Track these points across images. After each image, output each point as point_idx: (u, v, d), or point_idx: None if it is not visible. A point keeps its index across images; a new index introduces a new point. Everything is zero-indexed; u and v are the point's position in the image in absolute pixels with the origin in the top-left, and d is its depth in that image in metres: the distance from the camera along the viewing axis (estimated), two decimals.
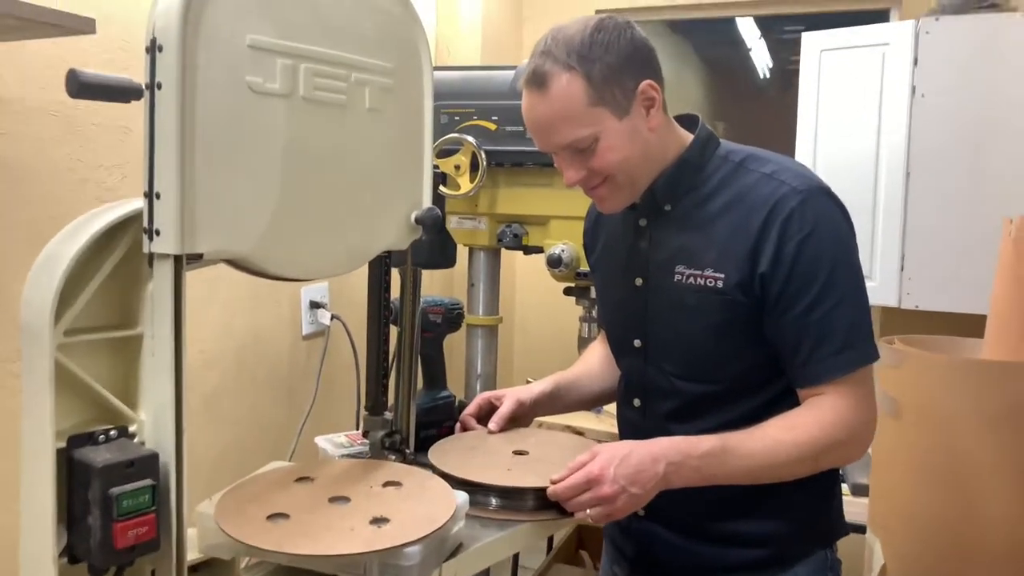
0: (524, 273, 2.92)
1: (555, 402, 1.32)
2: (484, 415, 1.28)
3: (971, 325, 1.79)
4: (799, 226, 1.04)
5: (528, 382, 1.92)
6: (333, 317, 1.96)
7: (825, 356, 1.04)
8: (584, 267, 1.64)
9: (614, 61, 1.04)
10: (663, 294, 1.13)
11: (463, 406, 1.71)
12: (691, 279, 1.10)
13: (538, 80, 1.05)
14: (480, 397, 1.30)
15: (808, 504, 1.15)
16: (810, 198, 1.05)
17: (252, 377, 1.82)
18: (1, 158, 1.26)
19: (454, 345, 2.36)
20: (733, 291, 1.07)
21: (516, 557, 2.46)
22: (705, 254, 1.09)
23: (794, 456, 1.03)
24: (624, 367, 1.25)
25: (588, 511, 1.01)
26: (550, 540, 2.53)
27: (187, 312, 1.62)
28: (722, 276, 1.07)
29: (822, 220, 1.05)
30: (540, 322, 2.94)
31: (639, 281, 1.16)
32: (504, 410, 1.25)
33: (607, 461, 1.00)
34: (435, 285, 2.53)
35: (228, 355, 1.75)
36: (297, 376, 1.94)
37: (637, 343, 1.18)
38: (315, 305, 1.97)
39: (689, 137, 1.15)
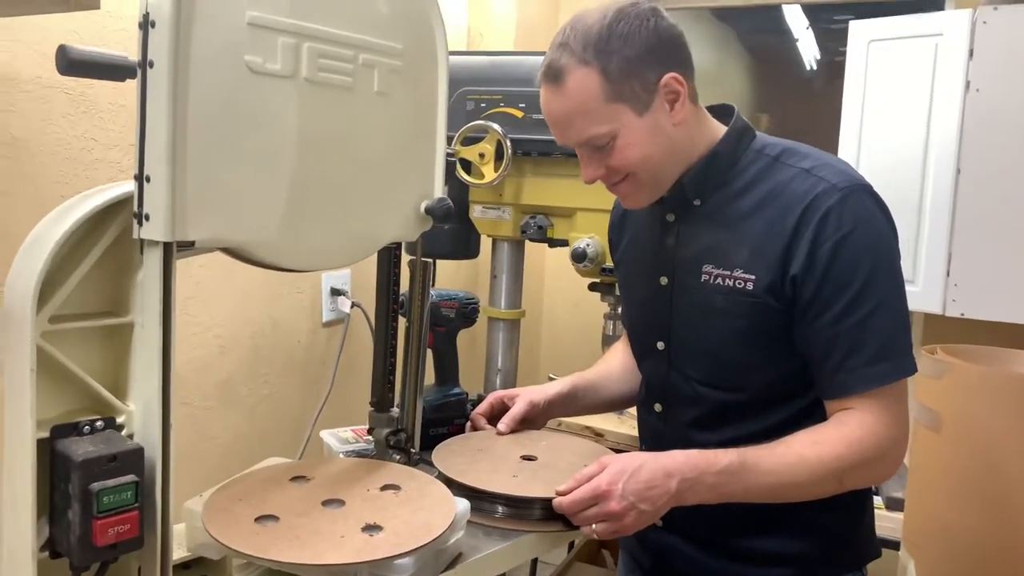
0: (554, 265, 2.87)
1: (572, 404, 1.27)
2: (496, 414, 1.23)
3: (1021, 336, 1.69)
4: (836, 226, 0.97)
5: (551, 378, 1.88)
6: (354, 304, 1.93)
7: (857, 366, 0.97)
8: (610, 263, 1.58)
9: (633, 54, 0.98)
10: (689, 295, 1.07)
11: (479, 402, 1.67)
12: (719, 280, 1.03)
13: (553, 74, 1.00)
14: (492, 396, 1.26)
15: (836, 525, 1.09)
16: (850, 196, 0.98)
17: (269, 364, 1.79)
18: (13, 136, 1.24)
19: (476, 339, 2.32)
20: (763, 294, 1.00)
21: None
22: (735, 254, 1.03)
23: (818, 475, 0.97)
24: (646, 370, 1.19)
25: (594, 526, 0.95)
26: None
27: (202, 296, 1.61)
28: (752, 278, 1.01)
29: (862, 220, 0.98)
30: (569, 317, 2.88)
31: (664, 280, 1.10)
32: (515, 411, 1.20)
33: (616, 475, 0.95)
34: (460, 276, 2.49)
35: (244, 341, 1.73)
36: (316, 364, 1.92)
37: (660, 345, 1.12)
38: (336, 292, 1.93)
39: (723, 129, 1.08)
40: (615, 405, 1.34)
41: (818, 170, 1.01)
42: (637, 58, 0.98)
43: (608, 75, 0.97)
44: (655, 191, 1.07)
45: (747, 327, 1.02)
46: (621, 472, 0.95)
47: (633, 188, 1.06)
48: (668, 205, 1.10)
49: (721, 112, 1.11)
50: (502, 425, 1.19)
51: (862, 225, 0.98)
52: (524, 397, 1.22)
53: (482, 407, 1.24)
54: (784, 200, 1.01)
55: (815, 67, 5.05)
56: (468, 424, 1.25)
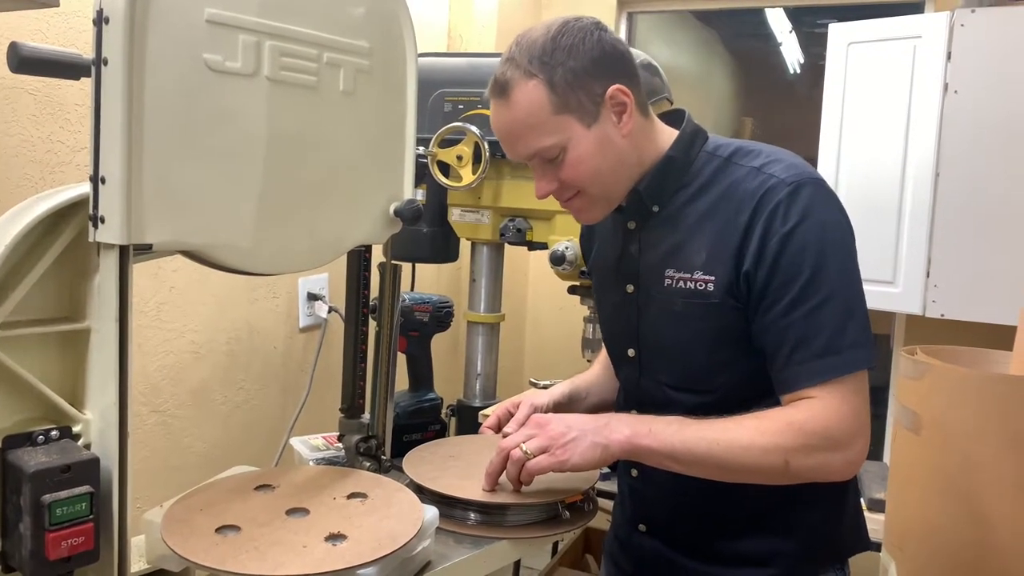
0: (538, 269, 2.85)
1: (573, 406, 1.27)
2: (504, 424, 1.22)
3: (1000, 336, 1.69)
4: (784, 219, 0.96)
5: (532, 383, 1.86)
6: (331, 309, 1.90)
7: (805, 359, 0.95)
8: None
9: (578, 65, 0.98)
10: (654, 301, 1.07)
11: (457, 408, 1.65)
12: (680, 283, 1.03)
13: (500, 88, 1.00)
14: (499, 407, 1.25)
15: (815, 522, 1.08)
16: (799, 189, 0.98)
17: (245, 370, 1.77)
18: None
19: (457, 344, 2.30)
20: (723, 295, 1.00)
21: (518, 560, 2.40)
22: (694, 256, 1.02)
23: (758, 444, 0.94)
24: (621, 376, 1.19)
25: (524, 445, 0.97)
26: (555, 544, 2.46)
27: (176, 301, 1.58)
28: (712, 279, 1.00)
29: (810, 213, 0.97)
30: (553, 320, 2.87)
31: (630, 288, 1.10)
32: (519, 416, 1.20)
33: (552, 414, 1.03)
34: (442, 280, 2.47)
35: (220, 347, 1.70)
36: (292, 370, 1.89)
37: (631, 352, 1.12)
38: (313, 297, 1.91)
39: (675, 134, 1.08)
40: (612, 408, 1.33)
41: (768, 167, 1.01)
42: (582, 70, 0.98)
43: (554, 87, 0.97)
44: (607, 205, 1.07)
45: (710, 329, 1.02)
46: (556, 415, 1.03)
47: (585, 203, 1.06)
48: (628, 214, 1.10)
49: (675, 118, 1.11)
50: (508, 429, 1.17)
51: (810, 217, 0.97)
52: (527, 402, 1.22)
53: (490, 420, 1.22)
54: (737, 199, 1.01)
55: (798, 71, 5.06)
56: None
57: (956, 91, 1.88)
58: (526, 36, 1.00)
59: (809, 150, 2.22)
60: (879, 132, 2.00)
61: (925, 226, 1.91)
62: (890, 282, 1.96)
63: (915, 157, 1.93)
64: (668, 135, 1.08)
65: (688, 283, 1.02)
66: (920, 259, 1.92)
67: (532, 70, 0.97)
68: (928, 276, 1.92)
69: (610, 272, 1.14)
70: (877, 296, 1.99)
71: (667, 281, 1.04)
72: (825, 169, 2.06)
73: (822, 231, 0.97)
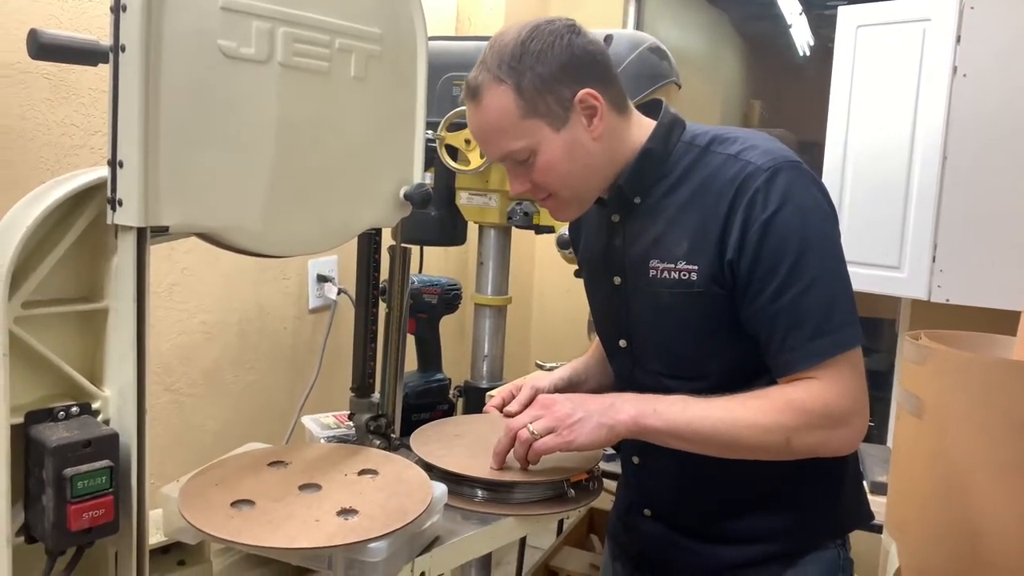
0: (544, 253, 2.86)
1: (572, 391, 1.29)
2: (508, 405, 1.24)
3: (1007, 321, 1.69)
4: (763, 206, 0.98)
5: (538, 365, 1.88)
6: (340, 291, 1.92)
7: (798, 344, 0.97)
8: None
9: (546, 71, 0.99)
10: (641, 292, 1.09)
11: (465, 389, 1.67)
12: (665, 273, 1.05)
13: (472, 92, 1.03)
14: (503, 388, 1.28)
15: (815, 498, 1.11)
16: (777, 175, 0.99)
17: (255, 351, 1.79)
18: None
19: (464, 326, 2.32)
20: (707, 283, 1.01)
21: (524, 538, 2.43)
22: (676, 246, 1.04)
23: (761, 424, 0.96)
24: (615, 367, 1.22)
25: (531, 425, 1.00)
26: (560, 523, 2.50)
27: (188, 283, 1.60)
28: (695, 268, 1.02)
29: (790, 197, 0.98)
30: (559, 303, 2.88)
31: (617, 280, 1.12)
32: (521, 397, 1.23)
33: (558, 395, 1.05)
34: (450, 263, 2.49)
35: (230, 328, 1.72)
36: (302, 351, 1.92)
37: (623, 343, 1.14)
38: (322, 279, 1.93)
39: (653, 125, 1.09)
40: (610, 391, 1.35)
41: (745, 153, 1.02)
42: (550, 75, 0.99)
43: (521, 92, 0.99)
44: (580, 206, 1.10)
45: (697, 317, 1.04)
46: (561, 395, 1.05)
47: (559, 204, 1.09)
48: (611, 207, 1.11)
49: (653, 108, 1.12)
50: (510, 409, 1.20)
51: (789, 202, 0.98)
52: (529, 384, 1.25)
53: (495, 400, 1.25)
54: (716, 188, 1.02)
55: (808, 53, 5.03)
56: None
57: (965, 75, 1.88)
58: (499, 40, 1.02)
59: (817, 134, 2.22)
60: (887, 115, 1.99)
61: (932, 210, 1.91)
62: (895, 267, 1.96)
63: (922, 141, 1.93)
64: (646, 127, 1.09)
65: (672, 273, 1.03)
66: (926, 243, 1.92)
67: (501, 75, 0.99)
68: (934, 261, 1.92)
69: (597, 265, 1.16)
70: (882, 281, 2.00)
71: (652, 272, 1.05)
72: (832, 152, 2.06)
73: (802, 215, 0.98)
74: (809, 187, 1.00)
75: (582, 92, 1.00)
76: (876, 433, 2.43)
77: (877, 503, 1.73)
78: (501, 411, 1.24)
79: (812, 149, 2.30)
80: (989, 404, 1.46)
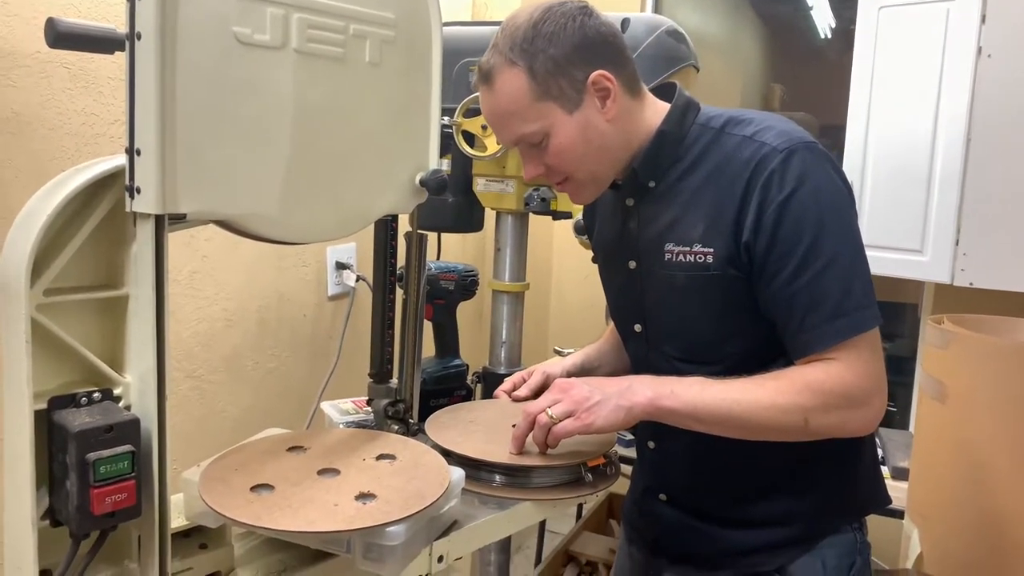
0: (562, 239, 2.86)
1: (587, 375, 1.28)
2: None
3: None
4: (779, 187, 0.97)
5: (556, 351, 1.88)
6: (359, 278, 1.93)
7: (815, 325, 0.96)
8: None
9: (559, 53, 0.99)
10: (656, 276, 1.08)
11: (483, 375, 1.68)
12: (680, 256, 1.04)
13: (484, 75, 1.03)
14: (516, 375, 1.28)
15: (830, 481, 1.10)
16: (791, 156, 0.98)
17: (275, 337, 1.81)
18: (13, 111, 1.24)
19: (483, 312, 2.32)
20: (723, 266, 1.01)
21: (543, 523, 2.44)
22: (692, 229, 1.03)
23: (779, 404, 0.96)
24: (630, 352, 1.21)
25: (550, 409, 1.00)
26: (579, 508, 2.50)
27: (208, 270, 1.62)
28: (711, 251, 1.01)
29: (806, 178, 0.97)
30: (577, 290, 2.88)
31: (632, 264, 1.11)
32: (532, 383, 1.24)
33: (575, 380, 1.04)
34: (468, 249, 2.49)
35: (251, 314, 1.74)
36: (321, 337, 1.93)
37: (638, 328, 1.13)
38: (341, 266, 1.94)
39: (668, 108, 1.08)
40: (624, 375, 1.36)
41: (760, 135, 1.01)
42: (563, 57, 0.99)
43: (534, 74, 0.99)
44: (597, 188, 1.09)
45: (713, 300, 1.03)
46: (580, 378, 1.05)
47: (575, 186, 1.08)
48: (625, 191, 1.11)
49: (668, 91, 1.11)
50: (519, 394, 1.21)
51: (805, 183, 0.97)
52: (539, 370, 1.25)
53: (505, 385, 1.26)
54: (731, 170, 1.01)
55: (829, 36, 4.96)
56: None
57: (990, 55, 1.84)
58: (511, 23, 1.02)
59: (839, 117, 2.19)
60: (909, 97, 1.96)
61: (955, 193, 1.88)
62: (918, 250, 1.94)
63: (946, 123, 1.90)
64: (661, 110, 1.08)
65: (688, 256, 1.03)
66: (949, 227, 1.89)
67: (513, 58, 0.99)
68: (957, 244, 1.90)
69: (612, 249, 1.16)
70: (905, 264, 1.97)
71: (667, 255, 1.05)
72: (854, 135, 2.04)
73: (818, 196, 0.97)
74: (825, 167, 0.99)
75: (595, 74, 1.00)
76: (898, 418, 2.41)
77: (898, 488, 1.72)
78: (511, 396, 1.25)
79: (834, 132, 2.27)
80: (1013, 389, 1.45)
